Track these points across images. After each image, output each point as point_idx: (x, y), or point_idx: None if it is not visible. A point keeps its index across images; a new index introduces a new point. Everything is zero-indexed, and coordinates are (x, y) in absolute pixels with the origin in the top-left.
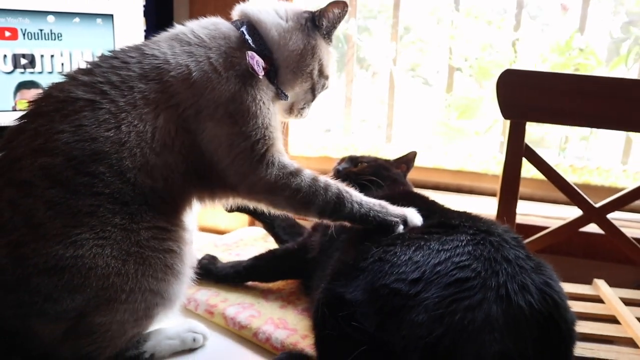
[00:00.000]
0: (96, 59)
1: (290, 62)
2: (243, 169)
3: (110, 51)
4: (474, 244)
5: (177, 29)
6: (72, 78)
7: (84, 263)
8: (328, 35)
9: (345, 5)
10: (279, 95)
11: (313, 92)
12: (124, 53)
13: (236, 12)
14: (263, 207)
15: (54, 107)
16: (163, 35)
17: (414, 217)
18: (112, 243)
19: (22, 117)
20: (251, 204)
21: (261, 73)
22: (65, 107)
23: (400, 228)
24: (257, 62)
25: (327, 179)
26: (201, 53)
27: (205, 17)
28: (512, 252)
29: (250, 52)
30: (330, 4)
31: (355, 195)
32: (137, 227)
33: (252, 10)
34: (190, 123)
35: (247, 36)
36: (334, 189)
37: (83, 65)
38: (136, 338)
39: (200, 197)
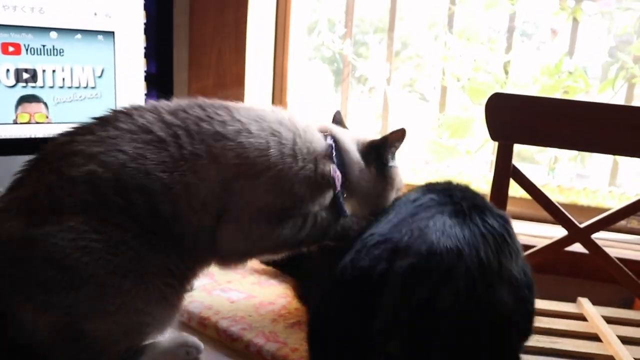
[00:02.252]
0: (184, 104)
1: (359, 195)
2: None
3: (199, 104)
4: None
5: (275, 109)
6: (157, 112)
7: (88, 269)
8: (392, 162)
9: (404, 132)
10: (340, 212)
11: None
12: (213, 108)
13: (322, 126)
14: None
15: (129, 127)
16: (255, 109)
17: None
18: (119, 261)
19: (97, 120)
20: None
21: (338, 188)
22: (137, 133)
23: None
24: (338, 177)
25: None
26: (289, 137)
27: (203, 36)
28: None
29: (334, 166)
30: (391, 134)
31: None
32: (150, 256)
33: (338, 134)
34: (239, 180)
35: (334, 152)
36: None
37: (170, 103)
38: (130, 351)
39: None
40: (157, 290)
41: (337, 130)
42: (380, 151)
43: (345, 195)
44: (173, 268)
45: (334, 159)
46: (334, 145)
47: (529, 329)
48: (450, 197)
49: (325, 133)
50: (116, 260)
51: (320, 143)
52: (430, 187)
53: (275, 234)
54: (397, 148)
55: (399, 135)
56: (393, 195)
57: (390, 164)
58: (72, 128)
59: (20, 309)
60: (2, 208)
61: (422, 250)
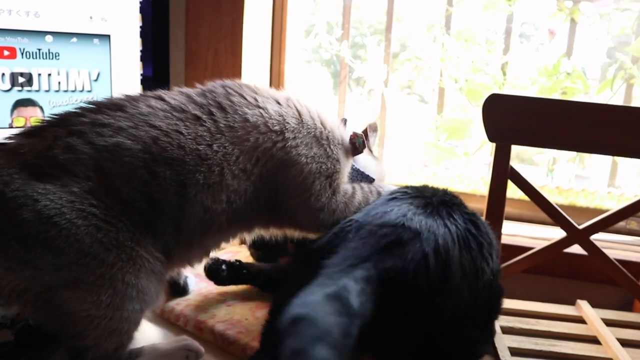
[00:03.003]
0: (207, 87)
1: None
2: (318, 204)
3: (222, 84)
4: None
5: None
6: (187, 96)
7: (75, 232)
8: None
9: (377, 125)
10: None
11: None
12: (240, 88)
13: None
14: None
15: (161, 107)
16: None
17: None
18: (110, 231)
19: (128, 97)
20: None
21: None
22: (171, 112)
23: None
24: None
25: (363, 185)
26: (312, 108)
27: (199, 38)
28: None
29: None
30: (368, 127)
31: (378, 186)
32: (145, 233)
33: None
34: (284, 153)
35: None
36: (374, 189)
37: (194, 89)
38: (124, 343)
39: (265, 227)
40: (146, 263)
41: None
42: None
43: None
44: (160, 250)
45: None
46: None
47: (486, 328)
48: (422, 193)
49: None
50: (108, 232)
51: (335, 116)
52: (406, 186)
53: (334, 201)
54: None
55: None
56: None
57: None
58: (101, 100)
59: None
60: (12, 148)
61: (379, 223)
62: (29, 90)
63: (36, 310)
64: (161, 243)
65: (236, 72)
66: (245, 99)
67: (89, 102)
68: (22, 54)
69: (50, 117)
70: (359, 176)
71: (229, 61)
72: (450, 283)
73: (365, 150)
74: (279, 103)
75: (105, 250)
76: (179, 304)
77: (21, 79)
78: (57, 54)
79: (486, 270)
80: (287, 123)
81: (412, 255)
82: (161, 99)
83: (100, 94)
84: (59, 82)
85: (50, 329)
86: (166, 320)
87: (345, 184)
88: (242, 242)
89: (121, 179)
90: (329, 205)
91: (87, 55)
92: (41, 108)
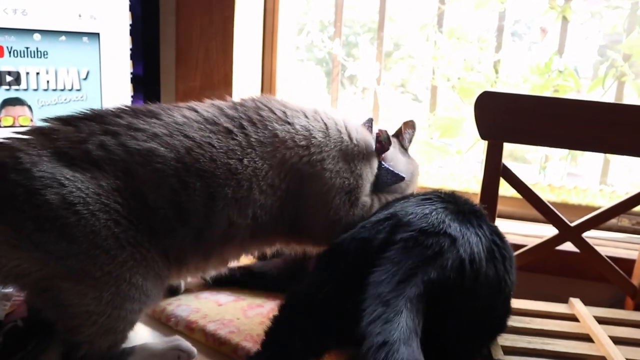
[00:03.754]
0: (241, 100)
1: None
2: (338, 216)
3: (252, 98)
4: None
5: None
6: (219, 108)
7: (94, 224)
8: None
9: (414, 123)
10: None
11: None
12: (269, 102)
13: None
14: None
15: (195, 117)
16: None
17: None
18: (129, 228)
19: (163, 106)
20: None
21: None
22: (205, 124)
23: None
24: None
25: (380, 196)
26: (338, 118)
27: (190, 36)
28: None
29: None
30: (403, 124)
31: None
32: (164, 241)
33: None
34: (310, 167)
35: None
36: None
37: (226, 102)
38: (118, 342)
39: (286, 242)
40: (156, 266)
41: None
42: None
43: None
44: (174, 259)
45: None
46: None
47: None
48: (454, 200)
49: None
50: (126, 229)
51: (359, 123)
52: (435, 192)
53: (350, 215)
54: (410, 136)
55: (410, 125)
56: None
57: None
58: (137, 106)
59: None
60: (46, 132)
61: (422, 227)
62: (17, 89)
63: (35, 295)
64: (178, 250)
65: (227, 70)
66: (275, 113)
67: (126, 106)
68: (10, 52)
69: (88, 110)
70: (389, 175)
71: (220, 59)
72: (479, 292)
73: (397, 148)
74: (306, 116)
75: (120, 246)
76: (170, 304)
77: (9, 78)
78: (45, 53)
79: (508, 284)
80: (314, 137)
81: (452, 263)
82: (194, 110)
83: (89, 92)
84: (48, 81)
85: (47, 317)
86: (157, 320)
87: (365, 196)
88: None
89: (151, 184)
90: (345, 218)
91: (76, 53)
92: (30, 107)
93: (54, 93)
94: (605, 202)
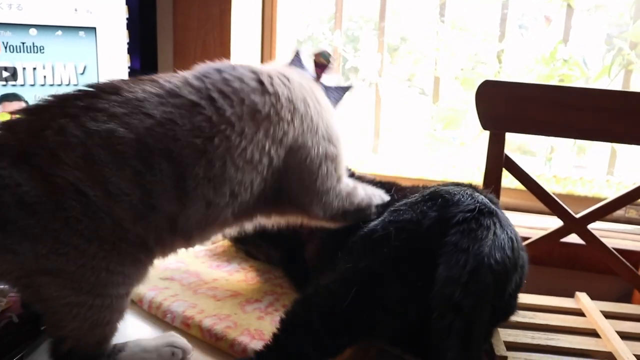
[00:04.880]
0: (203, 69)
1: None
2: (325, 187)
3: (216, 67)
4: None
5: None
6: (183, 77)
7: (53, 223)
8: None
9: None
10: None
11: None
12: (234, 70)
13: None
14: (333, 224)
15: (156, 91)
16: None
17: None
18: (92, 225)
19: (125, 81)
20: (315, 223)
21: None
22: (166, 97)
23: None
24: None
25: (364, 186)
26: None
27: (187, 30)
28: None
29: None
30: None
31: (380, 192)
32: (133, 228)
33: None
34: (297, 140)
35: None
36: (376, 193)
37: (194, 72)
38: (107, 335)
39: (267, 215)
40: (130, 252)
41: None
42: None
43: None
44: (153, 242)
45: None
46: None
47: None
48: (476, 189)
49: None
50: (89, 224)
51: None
52: (445, 184)
53: (337, 189)
54: None
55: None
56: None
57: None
58: (101, 83)
59: None
60: (11, 125)
61: (478, 207)
62: (13, 85)
63: (21, 292)
64: (155, 236)
65: None
66: (248, 84)
67: (89, 85)
68: (6, 47)
69: (52, 97)
70: (336, 91)
71: (218, 52)
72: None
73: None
74: (283, 83)
75: (87, 241)
76: (167, 300)
77: (5, 74)
78: (41, 48)
79: (516, 280)
80: (297, 110)
81: (507, 243)
82: (156, 82)
83: None
84: (45, 76)
85: (36, 310)
86: (153, 316)
87: (346, 175)
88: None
89: (112, 167)
90: (334, 189)
91: (72, 48)
92: (27, 103)
93: (51, 88)
94: (612, 193)
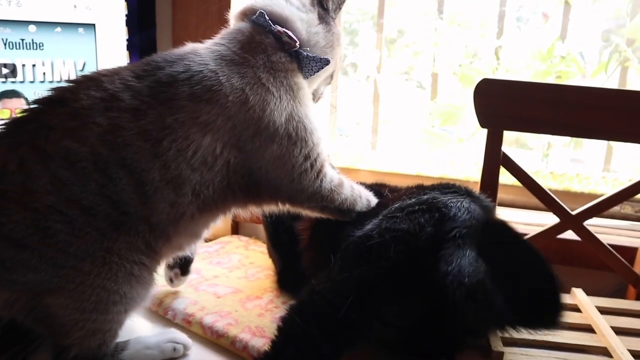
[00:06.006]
0: (142, 64)
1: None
2: (302, 185)
3: (152, 60)
4: None
5: (214, 44)
6: (123, 78)
7: (47, 252)
8: (335, 16)
9: None
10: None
11: (332, 76)
12: (169, 65)
13: (242, 11)
14: (312, 214)
15: (101, 95)
16: (202, 49)
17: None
18: (80, 243)
19: (70, 84)
20: (304, 212)
21: (295, 44)
22: (111, 101)
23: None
24: (285, 32)
25: (354, 185)
26: (251, 74)
27: (187, 27)
28: None
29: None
30: None
31: (372, 196)
32: (117, 237)
33: (265, 5)
34: (246, 144)
35: (268, 22)
36: (364, 194)
37: (131, 65)
38: (107, 340)
39: (243, 207)
40: (123, 268)
41: (263, 4)
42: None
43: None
44: (143, 246)
45: (272, 28)
46: (274, 31)
47: None
48: (469, 193)
49: (258, 17)
50: (77, 243)
51: (268, 49)
52: (442, 184)
53: (317, 186)
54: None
55: None
56: (339, 52)
57: (332, 13)
58: (47, 95)
59: None
60: None
61: (473, 223)
62: (13, 82)
63: (26, 316)
64: (140, 241)
65: None
66: (183, 89)
67: (35, 101)
68: (5, 44)
69: (4, 126)
70: (311, 63)
71: None
72: None
73: (315, 15)
74: (234, 86)
75: (80, 260)
76: (168, 297)
77: (5, 70)
78: (41, 44)
79: None
80: (247, 98)
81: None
82: (99, 86)
83: None
84: (44, 73)
85: (37, 331)
86: (155, 313)
87: (329, 165)
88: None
89: (79, 184)
90: (312, 186)
91: (72, 45)
92: (26, 99)
93: (50, 85)
94: (608, 189)
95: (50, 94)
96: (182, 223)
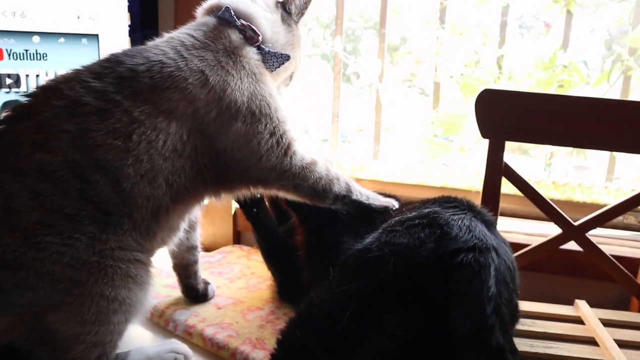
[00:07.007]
0: (102, 62)
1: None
2: (271, 163)
3: (113, 55)
4: None
5: (175, 34)
6: (83, 81)
7: (42, 267)
8: (298, 20)
9: None
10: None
11: (291, 77)
12: (130, 58)
13: (209, 7)
14: (286, 196)
15: (63, 103)
16: (161, 41)
17: (395, 204)
18: (73, 252)
19: (29, 98)
20: (278, 194)
21: (258, 38)
22: (74, 108)
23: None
24: (249, 25)
25: (331, 168)
26: (211, 58)
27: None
28: None
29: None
30: None
31: (355, 183)
32: (106, 237)
33: (231, 2)
34: (209, 126)
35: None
36: (342, 178)
37: (90, 66)
38: (107, 352)
39: (216, 194)
40: (119, 270)
41: (230, 1)
42: (283, 4)
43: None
44: (134, 242)
45: (237, 22)
46: (239, 24)
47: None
48: (472, 208)
49: (224, 12)
50: (70, 252)
51: (231, 38)
52: (444, 197)
53: (287, 163)
54: (301, 4)
55: None
56: (300, 53)
57: (294, 17)
58: (6, 115)
59: None
60: None
61: (476, 244)
62: (16, 92)
63: (26, 338)
64: (130, 238)
65: None
66: (144, 81)
67: (4, 120)
68: (9, 55)
69: None
70: (273, 58)
71: None
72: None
73: (278, 16)
74: (194, 70)
75: (76, 270)
76: (169, 308)
77: (9, 81)
78: (44, 55)
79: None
80: (209, 80)
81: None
82: (60, 95)
83: None
84: None
85: (37, 351)
86: (156, 324)
87: (298, 144)
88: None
89: (59, 194)
90: (281, 163)
91: (75, 55)
92: None
93: None
94: (611, 200)
95: (10, 112)
96: (160, 216)
